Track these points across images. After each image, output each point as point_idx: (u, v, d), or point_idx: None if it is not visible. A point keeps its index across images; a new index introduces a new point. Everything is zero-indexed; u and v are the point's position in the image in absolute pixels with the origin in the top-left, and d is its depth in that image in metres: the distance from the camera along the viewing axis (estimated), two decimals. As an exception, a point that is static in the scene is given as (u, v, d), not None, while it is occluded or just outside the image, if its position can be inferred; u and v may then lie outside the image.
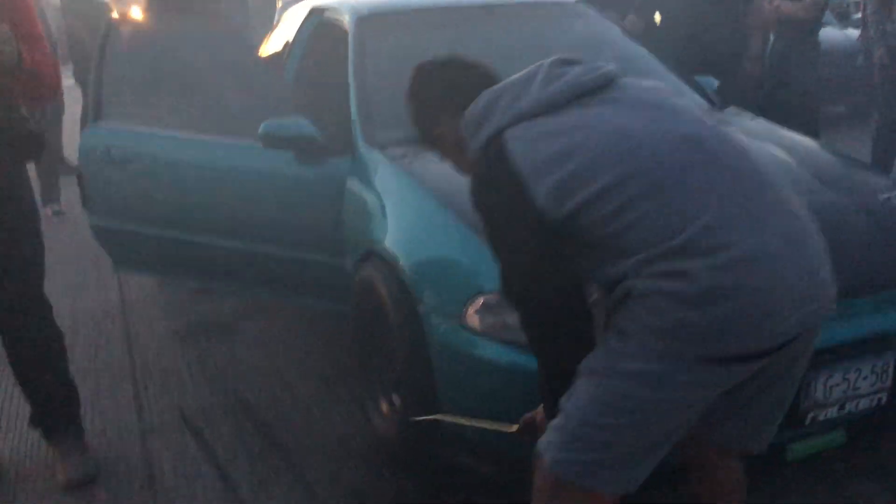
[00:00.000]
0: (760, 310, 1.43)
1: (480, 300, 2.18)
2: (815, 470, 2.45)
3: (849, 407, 2.19)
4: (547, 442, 1.57)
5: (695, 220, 1.44)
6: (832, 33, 7.04)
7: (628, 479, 1.55)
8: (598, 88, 1.62)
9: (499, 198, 1.59)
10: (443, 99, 1.80)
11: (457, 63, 1.83)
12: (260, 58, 3.95)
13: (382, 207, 2.68)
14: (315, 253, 3.06)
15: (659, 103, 1.63)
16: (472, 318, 2.18)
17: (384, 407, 2.65)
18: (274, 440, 2.80)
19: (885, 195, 2.65)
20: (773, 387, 1.64)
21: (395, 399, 2.59)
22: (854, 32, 7.11)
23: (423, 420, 2.21)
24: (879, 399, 2.22)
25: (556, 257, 1.54)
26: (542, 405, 1.74)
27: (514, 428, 1.87)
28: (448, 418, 2.17)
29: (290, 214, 3.10)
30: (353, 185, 2.89)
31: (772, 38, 5.16)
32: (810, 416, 2.14)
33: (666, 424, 1.51)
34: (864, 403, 2.20)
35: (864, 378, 2.17)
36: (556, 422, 1.57)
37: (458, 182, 2.52)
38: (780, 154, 2.90)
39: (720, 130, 1.61)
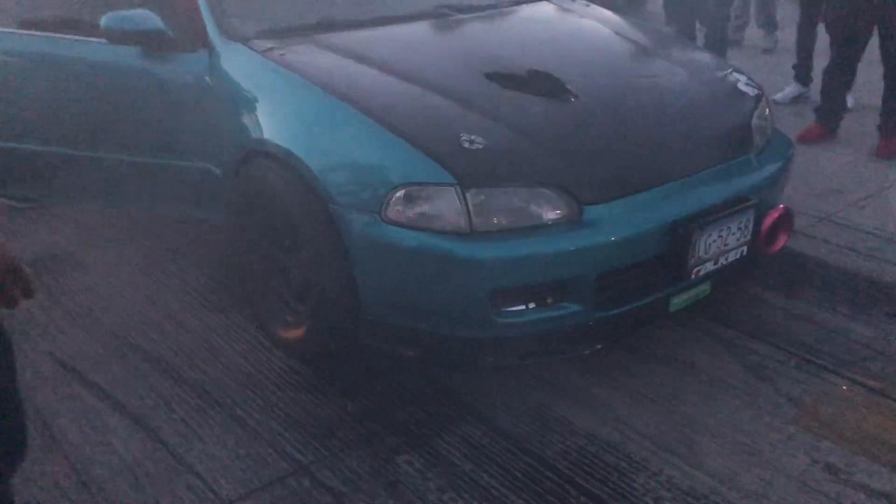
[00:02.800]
0: None
1: (401, 192, 2.21)
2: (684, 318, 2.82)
3: (721, 260, 2.49)
4: None
5: None
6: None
7: None
8: None
9: None
10: None
11: None
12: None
13: (262, 105, 2.55)
14: (171, 157, 2.87)
15: None
16: (394, 210, 2.21)
17: (288, 316, 2.61)
18: (182, 378, 2.57)
19: (723, 72, 2.99)
20: None
21: (296, 304, 2.57)
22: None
23: None
24: (742, 251, 2.55)
25: None
26: None
27: None
28: None
29: (141, 116, 2.88)
30: (216, 83, 2.69)
31: None
32: (695, 270, 2.42)
33: None
34: (732, 256, 2.52)
35: (732, 234, 2.47)
36: None
37: (341, 73, 2.56)
38: (606, 31, 3.16)
39: None
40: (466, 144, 2.26)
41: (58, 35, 3.01)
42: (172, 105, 2.81)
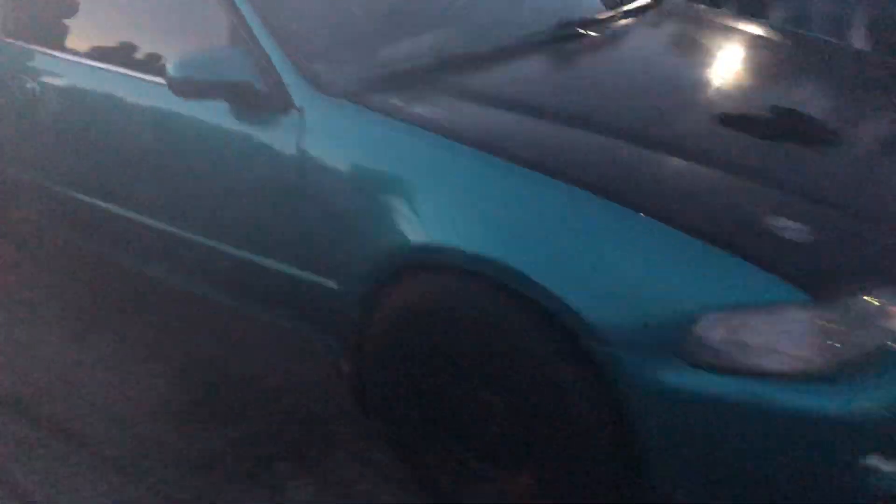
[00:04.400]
0: None
1: (710, 317, 1.46)
2: None
3: None
4: None
5: None
6: None
7: None
8: None
9: None
10: None
11: None
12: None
13: (417, 193, 1.77)
14: (260, 254, 2.09)
15: None
16: (707, 348, 1.47)
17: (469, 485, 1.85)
18: (40, 419, 2.27)
19: None
20: None
21: (484, 468, 1.81)
22: None
23: None
24: None
25: None
26: None
27: None
28: None
29: (223, 192, 2.12)
30: (324, 157, 1.89)
31: None
32: None
33: None
34: None
35: None
36: None
37: (526, 137, 1.79)
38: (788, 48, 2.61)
39: None
40: (789, 235, 1.52)
41: (115, 68, 2.34)
42: (262, 185, 2.01)
